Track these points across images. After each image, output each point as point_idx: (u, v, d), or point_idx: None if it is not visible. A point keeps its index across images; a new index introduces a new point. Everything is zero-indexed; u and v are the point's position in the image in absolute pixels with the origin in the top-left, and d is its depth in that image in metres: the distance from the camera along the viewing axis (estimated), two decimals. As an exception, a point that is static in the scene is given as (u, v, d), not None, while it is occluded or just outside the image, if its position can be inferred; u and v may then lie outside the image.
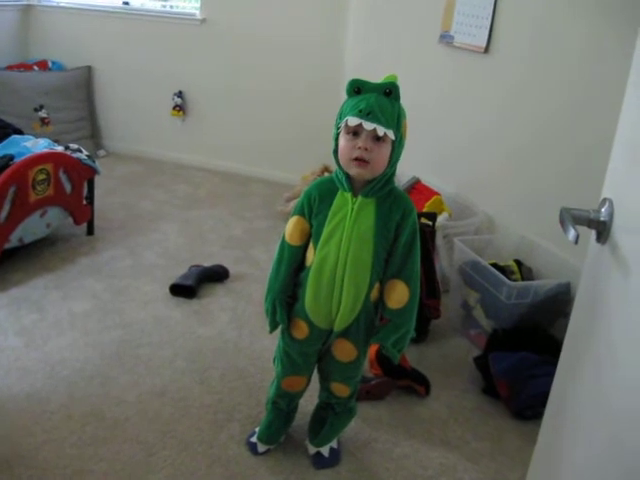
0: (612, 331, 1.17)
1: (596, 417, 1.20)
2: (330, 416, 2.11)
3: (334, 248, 1.74)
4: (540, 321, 2.73)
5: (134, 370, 2.53)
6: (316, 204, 1.78)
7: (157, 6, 5.25)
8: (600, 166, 1.38)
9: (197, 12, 4.92)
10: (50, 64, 5.22)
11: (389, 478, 2.10)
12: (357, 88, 1.64)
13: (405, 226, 1.75)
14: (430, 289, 2.81)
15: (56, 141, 3.72)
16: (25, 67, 5.09)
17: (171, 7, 5.21)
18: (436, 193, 3.43)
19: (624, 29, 2.40)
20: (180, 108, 5.12)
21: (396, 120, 1.64)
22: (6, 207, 3.02)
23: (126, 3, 5.19)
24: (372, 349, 2.46)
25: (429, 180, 3.59)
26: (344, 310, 1.79)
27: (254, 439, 2.15)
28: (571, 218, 1.17)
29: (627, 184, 1.14)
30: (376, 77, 1.70)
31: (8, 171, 3.02)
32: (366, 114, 1.59)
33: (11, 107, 4.75)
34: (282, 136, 4.90)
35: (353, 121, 1.61)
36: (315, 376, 2.09)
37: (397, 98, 1.64)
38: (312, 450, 2.13)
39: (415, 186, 3.56)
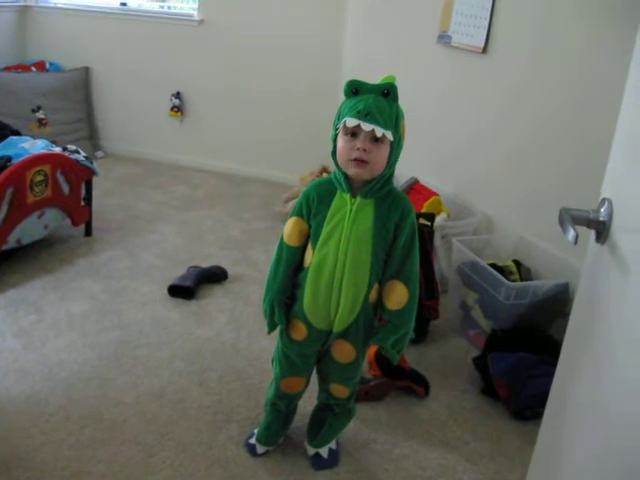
0: (611, 331, 1.16)
1: (595, 417, 1.20)
2: (329, 417, 2.10)
3: (333, 249, 1.74)
4: (539, 321, 2.73)
5: (132, 371, 2.52)
6: (315, 205, 1.78)
7: (155, 7, 5.25)
8: (599, 166, 1.38)
9: (195, 13, 4.91)
10: (48, 65, 5.22)
11: (388, 479, 2.10)
12: (355, 89, 1.64)
13: (404, 227, 1.75)
14: (429, 290, 2.81)
15: (54, 142, 3.72)
16: (23, 68, 5.09)
17: (169, 8, 5.21)
18: (434, 193, 3.42)
19: (623, 29, 2.39)
20: (178, 109, 5.11)
21: (394, 121, 1.63)
22: (4, 208, 3.01)
23: (123, 4, 5.19)
24: (371, 350, 2.46)
25: (427, 180, 3.59)
26: (343, 311, 1.78)
27: (253, 440, 2.15)
28: (570, 218, 1.17)
29: (626, 184, 1.14)
30: (374, 77, 1.70)
31: (6, 172, 3.01)
32: (364, 115, 1.59)
33: (9, 108, 4.74)
34: (280, 137, 4.90)
35: (351, 122, 1.60)
36: (314, 377, 2.08)
37: (395, 99, 1.64)
38: (311, 451, 2.13)
39: (413, 186, 3.56)
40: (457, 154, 3.59)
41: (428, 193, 3.44)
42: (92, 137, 5.34)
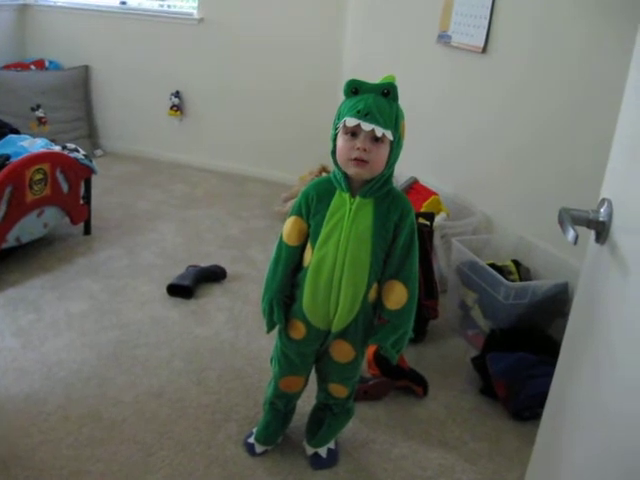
0: (611, 331, 1.16)
1: (595, 417, 1.20)
2: (328, 417, 2.10)
3: (332, 248, 1.74)
4: (538, 321, 2.72)
5: (131, 371, 2.52)
6: (314, 204, 1.78)
7: (154, 5, 5.24)
8: (599, 166, 1.37)
9: (194, 12, 4.91)
10: (47, 63, 5.22)
11: (387, 479, 2.10)
12: (355, 89, 1.64)
13: (403, 227, 1.74)
14: (428, 289, 2.81)
15: (53, 141, 3.72)
16: (22, 66, 5.08)
17: (168, 7, 5.21)
18: (434, 193, 3.42)
19: (624, 29, 2.39)
20: (177, 108, 5.11)
21: (394, 121, 1.63)
22: (3, 207, 3.01)
23: (123, 2, 5.18)
24: (370, 350, 2.45)
25: (427, 180, 3.58)
26: (342, 311, 1.78)
27: (252, 440, 2.15)
28: (570, 218, 1.17)
29: (626, 184, 1.14)
30: (374, 77, 1.70)
31: (5, 171, 3.01)
32: (364, 115, 1.59)
33: (8, 106, 4.74)
34: (280, 136, 4.90)
35: (351, 122, 1.60)
36: (313, 376, 2.08)
37: (395, 99, 1.64)
38: (310, 451, 2.13)
39: (413, 186, 3.56)
40: (457, 154, 3.59)
41: (427, 193, 3.44)
42: (91, 136, 5.34)
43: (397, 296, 1.77)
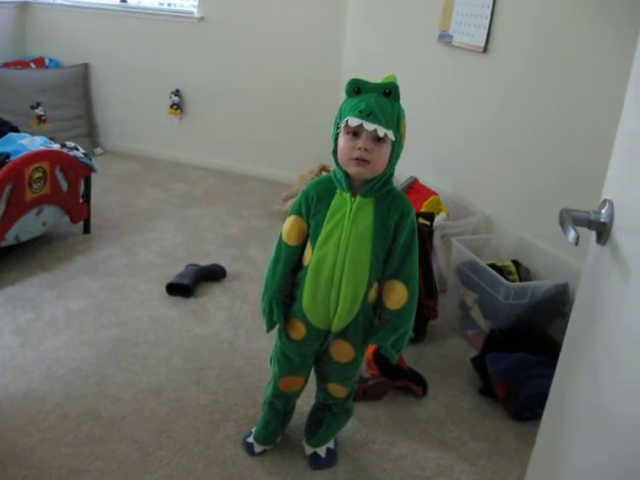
0: (611, 333, 1.16)
1: (595, 419, 1.19)
2: (327, 416, 2.10)
3: (332, 248, 1.73)
4: (538, 322, 2.72)
5: (130, 369, 2.52)
6: (314, 204, 1.77)
7: (154, 4, 5.24)
8: (600, 167, 1.37)
9: (195, 10, 4.91)
10: (47, 61, 5.21)
11: (386, 479, 2.09)
12: (357, 88, 1.63)
13: (404, 226, 1.74)
14: (428, 289, 2.80)
15: (52, 139, 3.71)
16: (22, 64, 5.08)
17: (169, 5, 5.20)
18: (434, 193, 3.42)
19: (624, 29, 2.39)
20: (177, 106, 5.11)
21: (396, 120, 1.63)
22: (2, 205, 3.00)
23: (123, 1, 5.18)
24: (369, 349, 2.45)
25: (427, 180, 3.58)
26: (342, 310, 1.78)
27: (251, 439, 2.14)
28: (571, 219, 1.16)
29: (627, 185, 1.14)
30: (374, 76, 1.69)
31: (4, 169, 3.00)
32: (367, 115, 1.58)
33: (8, 104, 4.74)
34: (280, 135, 4.90)
35: (354, 122, 1.60)
36: (312, 376, 2.08)
37: (397, 98, 1.64)
38: (309, 451, 2.13)
39: (413, 186, 3.55)
40: (456, 153, 3.58)
41: (427, 192, 3.44)
42: (91, 134, 5.34)
43: (397, 296, 1.77)
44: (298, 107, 4.79)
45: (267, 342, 2.49)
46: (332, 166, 1.77)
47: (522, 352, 2.50)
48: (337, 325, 1.81)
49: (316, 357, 1.98)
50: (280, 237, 1.85)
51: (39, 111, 4.87)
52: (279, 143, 4.92)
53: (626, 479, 1.07)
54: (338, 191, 1.75)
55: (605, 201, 1.19)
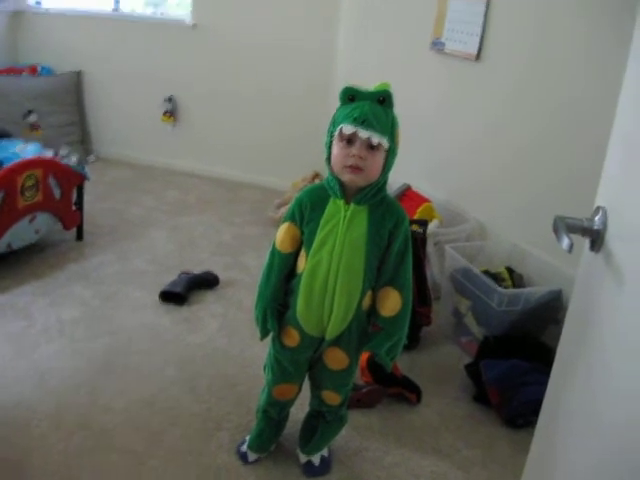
0: (605, 340, 1.16)
1: (589, 426, 1.19)
2: (321, 424, 2.09)
3: (326, 255, 1.73)
4: (531, 328, 2.72)
5: (122, 378, 2.50)
6: (307, 211, 1.77)
7: (148, 11, 5.24)
8: (593, 174, 1.37)
9: (188, 18, 4.90)
10: (39, 69, 5.20)
11: (380, 487, 2.09)
12: (351, 96, 1.63)
13: (397, 234, 1.74)
14: (421, 296, 2.80)
15: (45, 146, 3.70)
16: (14, 72, 5.06)
17: (162, 13, 5.20)
18: (427, 200, 3.42)
19: (617, 41, 2.39)
20: (170, 114, 5.11)
21: (390, 128, 1.63)
22: (-6, 213, 2.99)
23: (116, 8, 5.18)
24: (363, 357, 2.44)
25: (420, 187, 3.58)
26: (336, 318, 1.77)
27: (244, 448, 2.13)
28: (565, 227, 1.16)
29: (621, 192, 1.14)
30: (367, 83, 1.69)
31: (-4, 176, 3.00)
32: (361, 122, 1.58)
33: (0, 112, 4.71)
34: (273, 142, 4.90)
35: (348, 129, 1.60)
36: (306, 384, 2.07)
37: (391, 106, 1.64)
38: (303, 459, 2.12)
39: (406, 193, 3.55)
40: (450, 160, 3.59)
41: (420, 200, 3.44)
42: (84, 141, 5.33)
43: (391, 303, 1.77)
44: (291, 114, 4.79)
45: (261, 350, 2.48)
46: (325, 173, 1.77)
47: (516, 359, 2.50)
48: (331, 333, 1.80)
49: (310, 365, 1.97)
50: (273, 245, 1.84)
51: (32, 119, 4.85)
52: (272, 150, 4.92)
53: (621, 487, 1.07)
54: (332, 199, 1.75)
55: (598, 208, 1.19)
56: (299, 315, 1.81)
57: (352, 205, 1.72)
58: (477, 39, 3.26)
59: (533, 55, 2.95)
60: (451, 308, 3.01)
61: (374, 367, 2.46)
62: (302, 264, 1.80)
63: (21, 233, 3.21)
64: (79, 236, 3.70)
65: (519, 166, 3.06)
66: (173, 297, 3.08)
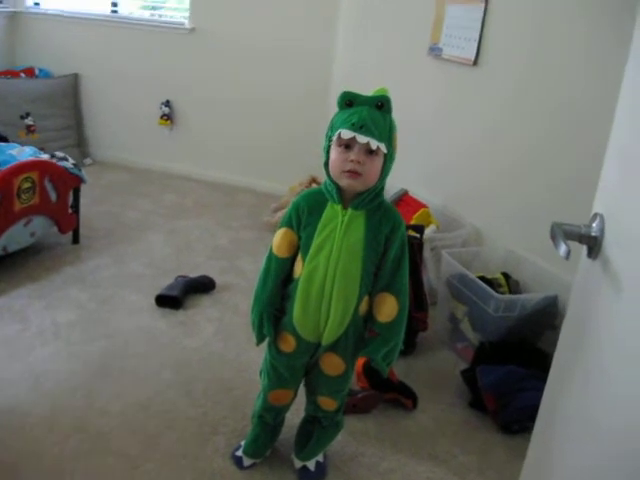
0: (602, 347, 1.16)
1: (586, 432, 1.19)
2: (317, 430, 2.09)
3: (323, 260, 1.73)
4: (527, 334, 2.72)
5: (118, 381, 2.49)
6: (305, 216, 1.77)
7: (145, 15, 5.24)
8: (591, 180, 1.38)
9: (186, 21, 4.91)
10: (37, 71, 5.20)
11: (376, 492, 2.09)
12: (349, 101, 1.64)
13: (394, 240, 1.74)
14: (418, 302, 2.80)
15: (42, 149, 3.70)
16: (12, 74, 5.06)
17: (160, 16, 5.21)
18: (424, 205, 3.43)
19: (613, 45, 2.40)
20: (168, 117, 5.11)
21: (388, 133, 1.63)
22: (-10, 215, 2.99)
23: (114, 11, 5.18)
24: (359, 362, 2.44)
25: (417, 192, 3.59)
26: (332, 323, 1.77)
27: (240, 453, 2.12)
28: (562, 233, 1.16)
29: (618, 199, 1.14)
30: (365, 89, 1.70)
31: (-7, 179, 2.99)
32: (359, 127, 1.58)
33: (-4, 114, 4.72)
34: (270, 146, 4.90)
35: (346, 134, 1.60)
36: (302, 389, 2.07)
37: (389, 111, 1.64)
38: (298, 464, 2.11)
39: (403, 198, 3.56)
40: (447, 166, 3.59)
41: (417, 205, 3.44)
42: (81, 144, 5.32)
43: (388, 309, 1.77)
44: (288, 118, 4.80)
45: (257, 354, 2.48)
46: (322, 178, 1.77)
47: (512, 365, 2.50)
48: (327, 338, 1.80)
49: (306, 370, 1.97)
50: (270, 249, 1.84)
51: (28, 121, 4.85)
52: (269, 154, 4.92)
53: (617, 493, 1.06)
54: (329, 203, 1.74)
55: (596, 215, 1.19)
56: (295, 320, 1.81)
57: (350, 210, 1.71)
58: (475, 44, 3.26)
59: (531, 60, 2.96)
60: (447, 314, 3.01)
61: (370, 372, 2.46)
62: (299, 269, 1.79)
63: (16, 236, 3.20)
64: (75, 239, 3.69)
65: (516, 172, 3.06)
66: (169, 301, 3.08)
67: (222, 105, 4.95)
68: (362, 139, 1.58)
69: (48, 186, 3.32)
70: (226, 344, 2.83)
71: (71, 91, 5.19)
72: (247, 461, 2.11)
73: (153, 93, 5.09)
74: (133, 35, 5.04)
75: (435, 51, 3.60)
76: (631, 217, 1.07)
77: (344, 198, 1.72)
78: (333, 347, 1.84)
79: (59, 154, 3.59)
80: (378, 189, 1.71)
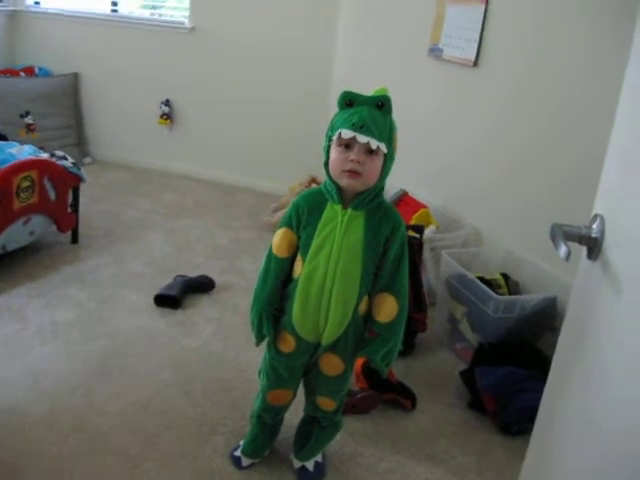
0: (602, 348, 1.16)
1: (585, 434, 1.19)
2: (315, 430, 2.09)
3: (323, 260, 1.73)
4: (527, 335, 2.72)
5: (117, 381, 2.49)
6: (305, 216, 1.76)
7: (146, 14, 5.24)
8: (591, 181, 1.37)
9: (186, 21, 4.91)
10: (37, 70, 5.20)
11: (375, 493, 2.08)
12: (349, 100, 1.63)
13: (394, 240, 1.74)
14: (417, 302, 2.80)
15: (41, 148, 3.69)
16: (11, 73, 5.06)
17: (160, 15, 5.20)
18: (423, 206, 3.43)
19: (615, 46, 2.40)
20: (167, 116, 5.10)
21: (388, 133, 1.63)
22: (-11, 214, 2.98)
23: (114, 10, 5.18)
24: (358, 362, 2.44)
25: (416, 192, 3.59)
26: (332, 323, 1.77)
27: (238, 453, 2.12)
28: (562, 234, 1.16)
29: (618, 200, 1.14)
30: (365, 88, 1.69)
31: (-8, 178, 2.99)
32: (359, 127, 1.58)
33: (-4, 113, 4.71)
34: (270, 146, 4.90)
35: (347, 134, 1.60)
36: (301, 389, 2.07)
37: (389, 111, 1.64)
38: (297, 464, 2.11)
39: (402, 198, 3.56)
40: (447, 166, 3.59)
41: (417, 205, 3.44)
42: (80, 143, 5.32)
43: (388, 309, 1.77)
44: (288, 118, 4.79)
45: (256, 354, 2.47)
46: (322, 178, 1.77)
47: (511, 366, 2.50)
48: (327, 338, 1.80)
49: (305, 370, 1.97)
50: (270, 249, 1.84)
51: (28, 120, 4.85)
52: (269, 154, 4.92)
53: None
54: (329, 203, 1.74)
55: (596, 216, 1.19)
56: (295, 321, 1.81)
57: (349, 210, 1.71)
58: (475, 45, 3.26)
59: (531, 61, 2.96)
60: (446, 314, 3.01)
61: (369, 373, 2.46)
62: (298, 269, 1.79)
63: (15, 235, 3.20)
64: (74, 238, 3.69)
65: (516, 172, 3.06)
66: (168, 300, 3.07)
67: (222, 105, 4.95)
68: (362, 139, 1.58)
69: (47, 185, 3.32)
70: (225, 344, 2.82)
71: (71, 90, 5.19)
72: (246, 461, 2.11)
73: (153, 92, 5.08)
74: (133, 34, 5.04)
75: (435, 52, 3.60)
76: (631, 218, 1.07)
77: (344, 198, 1.72)
78: (333, 347, 1.84)
79: (59, 153, 3.59)
80: (378, 189, 1.70)
